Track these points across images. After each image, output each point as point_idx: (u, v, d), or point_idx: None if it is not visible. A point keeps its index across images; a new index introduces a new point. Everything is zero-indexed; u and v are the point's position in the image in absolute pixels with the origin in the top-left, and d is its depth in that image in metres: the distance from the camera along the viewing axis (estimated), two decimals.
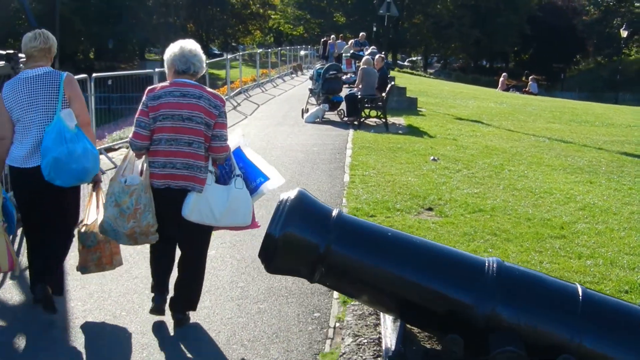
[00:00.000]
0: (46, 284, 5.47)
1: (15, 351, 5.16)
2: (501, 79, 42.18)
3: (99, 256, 5.88)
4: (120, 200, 5.22)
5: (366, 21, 79.02)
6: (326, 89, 18.77)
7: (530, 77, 40.98)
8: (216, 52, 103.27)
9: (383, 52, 26.89)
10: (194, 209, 5.22)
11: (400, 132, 16.74)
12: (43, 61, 5.57)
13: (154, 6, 72.17)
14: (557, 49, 79.25)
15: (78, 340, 5.32)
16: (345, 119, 18.29)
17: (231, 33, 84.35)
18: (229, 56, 25.41)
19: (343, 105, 18.75)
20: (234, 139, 5.78)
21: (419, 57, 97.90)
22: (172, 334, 5.46)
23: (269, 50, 38.96)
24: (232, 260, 7.23)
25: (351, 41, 35.64)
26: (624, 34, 56.33)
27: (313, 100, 19.59)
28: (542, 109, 25.40)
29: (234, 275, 6.77)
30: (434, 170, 11.81)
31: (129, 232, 5.25)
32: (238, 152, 5.75)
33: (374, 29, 57.19)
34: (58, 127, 5.35)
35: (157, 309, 5.47)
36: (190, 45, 5.49)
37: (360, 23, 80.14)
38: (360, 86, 18.01)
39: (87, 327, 5.54)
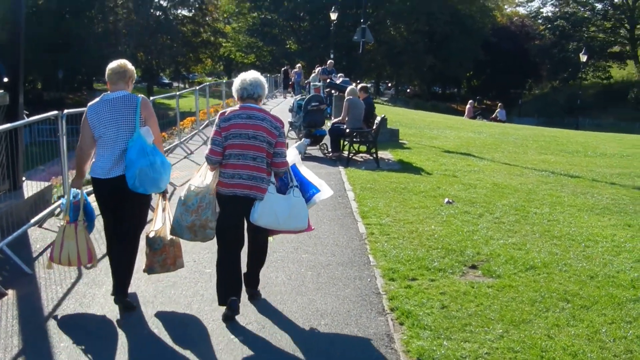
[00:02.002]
0: (125, 295, 6.53)
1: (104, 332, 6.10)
2: (468, 106, 41.56)
3: (164, 258, 6.86)
4: (186, 199, 6.40)
5: (320, 48, 78.19)
6: (308, 122, 17.40)
7: (499, 105, 40.41)
8: (165, 81, 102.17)
9: (358, 81, 25.70)
10: (261, 215, 6.25)
11: (393, 168, 15.50)
12: (122, 85, 6.48)
13: (103, 35, 70.63)
14: (511, 74, 79.42)
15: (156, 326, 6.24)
16: (329, 154, 16.98)
17: (182, 62, 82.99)
18: (197, 87, 23.76)
19: (325, 139, 17.47)
20: (290, 157, 6.75)
21: (371, 84, 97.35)
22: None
23: (232, 80, 37.49)
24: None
25: (318, 68, 34.33)
26: (584, 58, 56.16)
27: (293, 134, 18.22)
28: (523, 138, 24.54)
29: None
30: (454, 215, 10.55)
31: (190, 224, 6.39)
32: (293, 167, 6.80)
33: (331, 56, 56.24)
34: (140, 142, 6.22)
35: (229, 316, 6.34)
36: (252, 75, 6.51)
37: (314, 50, 79.49)
38: (346, 119, 16.73)
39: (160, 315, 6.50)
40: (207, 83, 31.04)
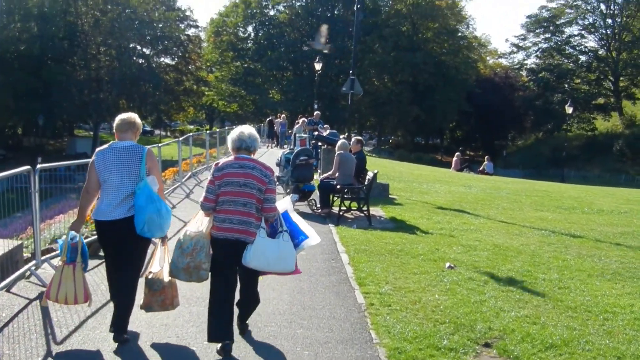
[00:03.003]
0: (123, 333, 6.87)
1: None
2: (454, 158, 41.09)
3: (163, 299, 7.20)
4: (182, 243, 6.78)
5: (303, 98, 77.99)
6: (296, 177, 16.65)
7: (486, 157, 39.98)
8: (147, 128, 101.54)
9: (347, 134, 25.08)
10: (252, 258, 6.68)
11: (386, 227, 14.76)
12: (130, 136, 6.95)
13: (85, 81, 70.15)
14: (494, 125, 79.59)
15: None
16: (318, 210, 16.23)
17: (164, 110, 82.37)
18: (181, 138, 23.06)
19: (314, 195, 16.74)
20: (283, 204, 7.34)
21: (353, 134, 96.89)
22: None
23: (219, 130, 36.68)
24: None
25: (302, 119, 33.74)
26: (569, 110, 56.03)
27: (280, 189, 17.44)
28: (515, 192, 23.95)
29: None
30: (458, 282, 9.78)
31: (185, 266, 6.74)
32: (285, 214, 7.25)
33: (315, 105, 55.87)
34: (147, 190, 6.69)
35: (224, 351, 6.74)
36: (249, 130, 7.10)
37: (297, 100, 79.41)
38: (336, 174, 16.03)
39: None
40: (190, 133, 30.32)
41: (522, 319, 8.07)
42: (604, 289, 9.87)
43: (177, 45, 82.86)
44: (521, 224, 16.21)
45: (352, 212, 16.02)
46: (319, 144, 24.52)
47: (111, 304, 7.22)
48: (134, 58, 79.39)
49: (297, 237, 7.19)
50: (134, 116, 7.08)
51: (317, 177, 19.10)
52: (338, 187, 15.71)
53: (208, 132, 31.08)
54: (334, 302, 8.68)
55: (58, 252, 7.52)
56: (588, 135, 76.52)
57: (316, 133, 26.38)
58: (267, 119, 48.06)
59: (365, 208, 15.45)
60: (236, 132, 7.01)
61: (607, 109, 77.57)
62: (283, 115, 43.76)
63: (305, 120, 32.88)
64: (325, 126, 30.42)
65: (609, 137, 70.27)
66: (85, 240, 7.53)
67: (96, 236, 7.30)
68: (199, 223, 6.96)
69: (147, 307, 7.23)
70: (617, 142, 64.11)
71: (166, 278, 7.16)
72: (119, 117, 7.02)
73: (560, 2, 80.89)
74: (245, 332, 7.30)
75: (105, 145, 6.93)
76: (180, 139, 22.72)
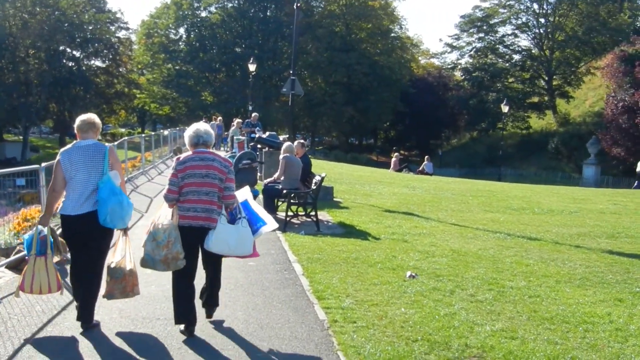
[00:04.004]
0: (91, 319, 7.32)
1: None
2: (393, 159, 40.67)
3: (124, 286, 7.51)
4: (155, 236, 7.13)
5: (236, 100, 77.04)
6: (240, 181, 15.69)
7: (426, 157, 39.68)
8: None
9: (287, 135, 24.37)
10: (215, 243, 7.22)
11: (335, 232, 14.09)
12: (91, 135, 7.36)
13: (14, 85, 68.07)
14: (429, 124, 79.83)
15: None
16: None
17: (95, 113, 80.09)
18: (115, 143, 22.04)
19: (258, 200, 15.95)
20: (243, 193, 7.93)
21: (286, 136, 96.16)
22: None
23: (152, 133, 35.48)
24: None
25: (237, 121, 32.86)
26: (505, 108, 56.25)
27: None
28: (460, 193, 23.53)
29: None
30: (423, 293, 9.12)
31: (163, 258, 7.11)
32: (245, 203, 7.80)
33: (250, 108, 55.04)
34: (110, 184, 7.09)
35: (188, 331, 7.22)
36: (205, 126, 7.67)
37: (231, 102, 78.52)
38: (282, 178, 15.29)
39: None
40: (125, 138, 29.26)
41: (498, 334, 7.45)
42: (576, 297, 9.33)
43: (108, 47, 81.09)
44: (474, 226, 15.69)
45: (298, 217, 15.27)
46: (258, 146, 23.75)
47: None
48: (64, 61, 77.53)
49: (255, 224, 7.69)
50: (93, 116, 7.49)
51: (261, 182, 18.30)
52: (284, 191, 14.96)
53: (142, 135, 29.95)
54: (293, 319, 7.92)
55: (24, 248, 7.95)
56: (523, 134, 77.03)
57: (257, 135, 25.63)
58: (202, 122, 46.97)
59: (312, 213, 14.76)
60: (192, 129, 7.52)
61: (541, 107, 78.11)
62: (220, 118, 42.76)
63: (241, 122, 32.05)
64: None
65: (544, 136, 70.71)
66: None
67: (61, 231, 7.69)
68: (167, 215, 7.32)
69: (109, 294, 7.54)
70: (552, 140, 64.52)
71: (127, 267, 7.52)
72: (79, 119, 7.42)
73: (493, 2, 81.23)
74: (211, 316, 7.76)
75: (69, 146, 7.38)
76: (115, 143, 21.70)
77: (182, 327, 7.26)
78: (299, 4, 23.03)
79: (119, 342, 7.01)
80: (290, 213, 14.69)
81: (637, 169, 37.47)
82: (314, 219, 14.64)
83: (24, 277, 7.28)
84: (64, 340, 7.02)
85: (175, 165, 7.31)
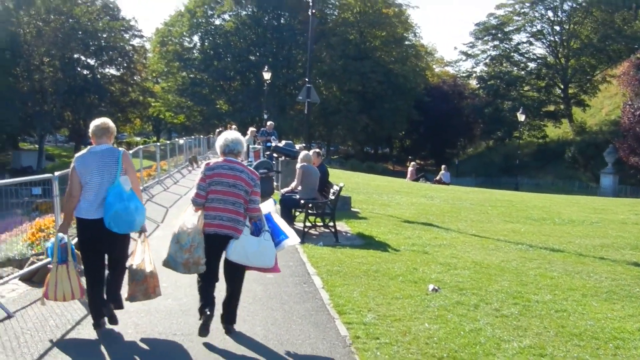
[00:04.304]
0: (110, 304, 7.47)
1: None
2: (410, 168, 40.36)
3: (146, 287, 7.67)
4: (179, 239, 7.31)
5: (251, 108, 76.95)
6: None
7: (443, 167, 39.35)
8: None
9: (304, 144, 24.16)
10: (233, 252, 7.36)
11: (354, 244, 13.84)
12: (105, 140, 7.47)
13: (29, 93, 68.09)
14: (444, 133, 79.53)
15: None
16: None
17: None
18: (130, 151, 21.84)
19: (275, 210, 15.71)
20: (267, 206, 7.97)
21: (302, 145, 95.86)
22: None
23: (168, 142, 35.30)
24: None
25: (251, 129, 32.60)
26: (521, 117, 55.84)
27: None
28: (478, 203, 23.24)
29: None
30: (446, 307, 8.88)
31: (184, 262, 7.30)
32: (268, 216, 7.86)
33: (265, 116, 54.97)
34: (118, 189, 7.18)
35: (204, 329, 7.30)
36: (234, 134, 7.80)
37: (246, 111, 78.39)
38: (299, 188, 15.07)
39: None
40: (140, 146, 29.08)
41: (527, 351, 7.22)
42: (604, 311, 9.07)
43: (122, 55, 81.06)
44: (494, 237, 15.44)
45: (316, 227, 15.04)
46: (274, 155, 23.56)
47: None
48: (79, 69, 77.52)
49: (277, 237, 7.78)
50: (107, 121, 7.57)
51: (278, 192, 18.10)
52: (302, 201, 14.74)
53: (158, 144, 29.80)
54: (314, 335, 7.70)
55: (49, 255, 8.05)
56: (539, 143, 76.56)
57: (273, 144, 25.44)
58: (217, 130, 46.87)
59: (331, 224, 14.53)
60: (221, 139, 7.69)
61: (557, 115, 77.67)
62: (234, 127, 42.51)
63: (255, 130, 31.81)
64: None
65: (560, 144, 70.26)
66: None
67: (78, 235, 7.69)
68: (192, 219, 7.44)
69: (131, 297, 7.68)
70: (569, 149, 64.06)
71: (148, 269, 7.69)
72: (93, 124, 7.50)
73: (508, 9, 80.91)
74: (231, 331, 7.65)
75: (84, 151, 7.45)
76: (130, 151, 21.53)
77: (200, 322, 7.39)
78: (314, 11, 22.72)
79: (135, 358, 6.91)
80: (308, 224, 14.48)
81: None
82: (333, 230, 14.42)
83: (48, 285, 7.49)
84: (80, 355, 6.90)
85: (204, 170, 7.43)
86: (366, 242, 14.14)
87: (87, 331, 7.46)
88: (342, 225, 15.81)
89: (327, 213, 14.66)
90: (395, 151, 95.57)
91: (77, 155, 7.44)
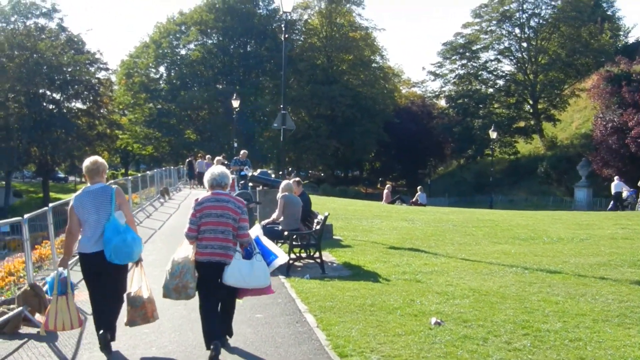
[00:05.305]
0: (107, 334, 7.81)
1: None
2: (385, 191, 39.91)
3: (144, 312, 8.22)
4: (171, 268, 7.94)
5: (219, 137, 76.33)
6: None
7: (419, 188, 38.93)
8: (61, 175, 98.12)
9: (280, 172, 23.52)
10: (229, 276, 7.86)
11: (342, 275, 13.24)
12: (98, 179, 8.06)
13: None
14: (414, 154, 79.52)
15: None
16: None
17: (78, 155, 78.73)
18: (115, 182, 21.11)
19: None
20: (255, 230, 8.79)
21: (271, 170, 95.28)
22: None
23: (139, 174, 34.39)
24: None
25: (217, 158, 31.82)
26: (493, 134, 55.78)
27: None
28: (461, 224, 22.71)
29: None
30: (454, 342, 8.24)
31: (175, 287, 7.86)
32: (257, 239, 8.56)
33: (235, 144, 54.39)
34: (114, 224, 7.73)
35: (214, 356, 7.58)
36: (220, 169, 8.46)
37: (214, 140, 77.61)
38: (281, 219, 14.42)
39: None
40: (111, 181, 28.25)
41: None
42: (620, 338, 8.50)
43: (88, 89, 79.80)
44: (486, 260, 14.88)
45: (301, 259, 14.37)
46: (250, 184, 22.91)
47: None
48: (44, 104, 76.27)
49: (268, 257, 8.33)
50: (97, 159, 8.16)
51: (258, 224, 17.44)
52: (285, 233, 14.10)
53: (129, 177, 28.96)
54: None
55: (49, 288, 8.35)
56: (511, 159, 76.67)
57: (249, 173, 24.78)
58: (187, 160, 46.16)
59: (316, 255, 13.88)
60: (208, 174, 8.29)
61: (528, 131, 77.76)
62: (208, 156, 41.81)
63: (221, 159, 31.09)
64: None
65: (532, 160, 70.25)
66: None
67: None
68: (186, 251, 8.03)
69: (130, 322, 8.19)
70: (541, 164, 63.85)
71: (145, 295, 8.20)
72: (84, 164, 8.10)
73: (475, 28, 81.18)
74: (225, 345, 8.07)
75: (80, 191, 7.99)
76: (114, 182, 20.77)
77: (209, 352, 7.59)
78: (287, 35, 22.24)
79: None
80: (292, 255, 13.81)
81: (613, 191, 37.12)
82: (319, 261, 13.79)
83: (48, 316, 7.92)
84: None
85: (194, 205, 8.02)
86: (354, 272, 13.54)
87: None
88: (326, 255, 15.16)
89: (311, 244, 14.02)
90: (365, 173, 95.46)
91: (74, 195, 8.07)
